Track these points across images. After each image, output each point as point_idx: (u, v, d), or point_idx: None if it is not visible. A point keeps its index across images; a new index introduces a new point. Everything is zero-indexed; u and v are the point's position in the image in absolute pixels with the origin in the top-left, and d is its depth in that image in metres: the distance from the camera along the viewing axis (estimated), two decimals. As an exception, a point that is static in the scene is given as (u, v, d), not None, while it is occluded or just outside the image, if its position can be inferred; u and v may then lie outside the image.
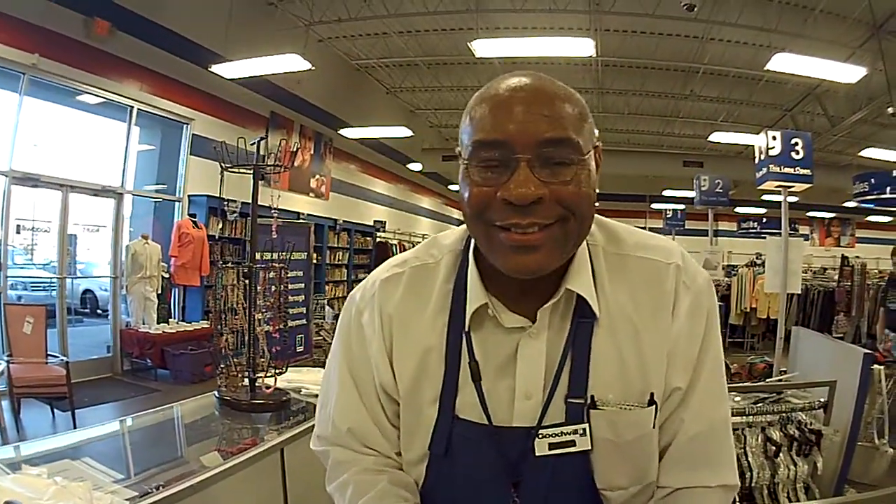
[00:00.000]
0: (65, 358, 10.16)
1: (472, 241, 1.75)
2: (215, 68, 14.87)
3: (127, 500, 3.02)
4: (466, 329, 1.72)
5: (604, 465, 1.71)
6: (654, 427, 1.71)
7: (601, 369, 1.68)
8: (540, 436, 1.68)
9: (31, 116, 11.89)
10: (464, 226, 1.80)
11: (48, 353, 10.05)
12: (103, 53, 12.67)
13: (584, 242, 1.72)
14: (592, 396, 1.68)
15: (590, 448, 1.68)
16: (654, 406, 1.69)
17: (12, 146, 11.37)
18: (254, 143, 5.31)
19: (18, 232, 14.62)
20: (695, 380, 1.73)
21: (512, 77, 1.57)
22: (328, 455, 1.91)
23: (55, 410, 9.92)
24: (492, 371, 1.72)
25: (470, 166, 1.55)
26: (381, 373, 1.82)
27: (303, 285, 15.00)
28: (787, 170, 8.09)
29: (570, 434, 1.68)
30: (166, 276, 14.46)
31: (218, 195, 12.99)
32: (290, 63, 14.75)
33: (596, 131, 1.64)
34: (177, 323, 14.57)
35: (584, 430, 1.67)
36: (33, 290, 16.76)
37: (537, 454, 1.68)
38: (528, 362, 1.70)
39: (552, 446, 1.68)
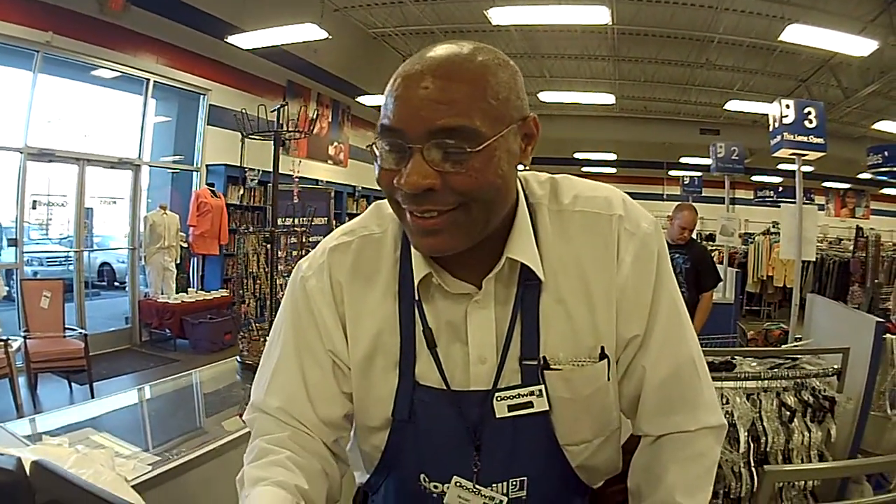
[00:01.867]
0: (83, 331, 10.21)
1: None
2: (231, 39, 14.85)
3: (150, 465, 3.07)
4: (417, 298, 1.76)
5: (564, 423, 1.77)
6: (608, 379, 1.77)
7: (550, 329, 1.73)
8: (497, 398, 1.73)
9: (46, 93, 11.92)
10: None
11: (66, 326, 10.12)
12: (118, 28, 12.66)
13: (524, 202, 1.75)
14: (544, 357, 1.73)
15: (548, 408, 1.74)
16: (605, 360, 1.75)
17: (27, 123, 11.40)
18: (274, 111, 5.34)
19: (34, 207, 14.64)
20: (651, 325, 1.77)
21: (428, 50, 1.56)
22: (254, 423, 1.89)
23: (73, 384, 9.98)
24: (445, 337, 1.77)
25: (377, 145, 1.56)
26: (333, 341, 1.84)
27: None
28: (800, 138, 8.02)
29: (526, 396, 1.73)
30: (185, 245, 14.55)
31: (235, 164, 13.04)
32: (306, 32, 14.67)
33: (524, 101, 1.63)
34: (196, 292, 14.64)
35: (540, 391, 1.73)
36: (49, 265, 16.69)
37: (497, 416, 1.74)
38: (478, 328, 1.74)
39: (511, 408, 1.74)
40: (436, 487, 1.84)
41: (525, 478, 1.81)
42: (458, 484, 1.81)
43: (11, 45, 10.89)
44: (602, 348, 1.74)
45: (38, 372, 9.37)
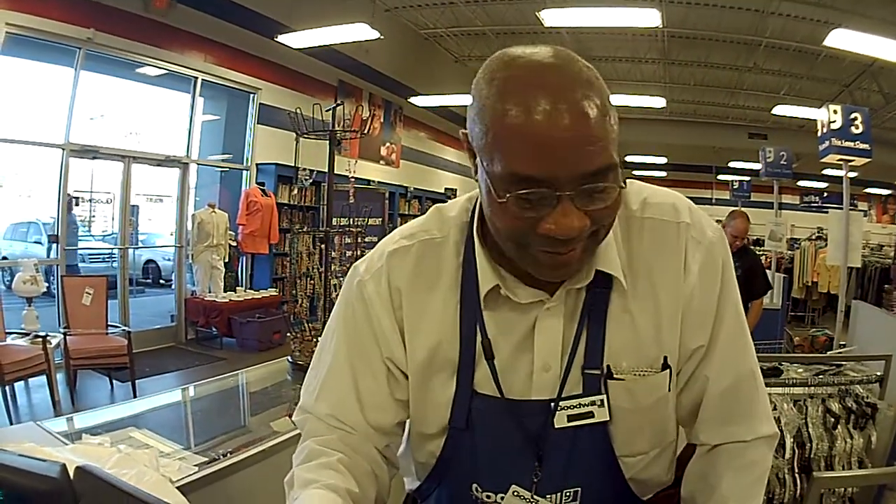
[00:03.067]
0: (126, 328, 10.28)
1: (476, 217, 1.72)
2: (281, 38, 14.84)
3: (195, 465, 3.04)
4: (480, 309, 1.71)
5: (623, 434, 1.74)
6: (669, 390, 1.73)
7: (615, 338, 1.69)
8: (559, 408, 1.69)
9: (89, 90, 11.96)
10: (466, 196, 1.84)
11: (109, 323, 10.14)
12: (163, 26, 12.70)
13: None
14: (608, 366, 1.69)
15: (608, 418, 1.70)
16: (668, 370, 1.71)
17: (69, 120, 11.41)
18: (329, 110, 5.33)
19: (77, 204, 14.72)
20: (716, 335, 1.73)
21: (535, 73, 1.40)
22: (304, 424, 1.87)
23: (114, 382, 10.00)
24: (509, 347, 1.72)
25: (501, 189, 1.41)
26: (392, 347, 1.79)
27: None
28: (847, 144, 8.07)
29: (588, 405, 1.69)
30: (234, 244, 14.61)
31: (286, 163, 13.12)
32: (357, 32, 14.64)
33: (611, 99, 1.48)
34: (244, 291, 14.73)
35: (602, 400, 1.69)
36: (91, 262, 16.86)
37: (556, 426, 1.70)
38: (546, 336, 1.70)
39: (570, 418, 1.70)
40: (489, 497, 1.80)
41: (579, 488, 1.77)
42: (515, 493, 1.76)
43: (53, 41, 10.92)
44: (665, 358, 1.70)
45: (77, 369, 9.35)
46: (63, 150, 11.32)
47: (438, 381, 1.77)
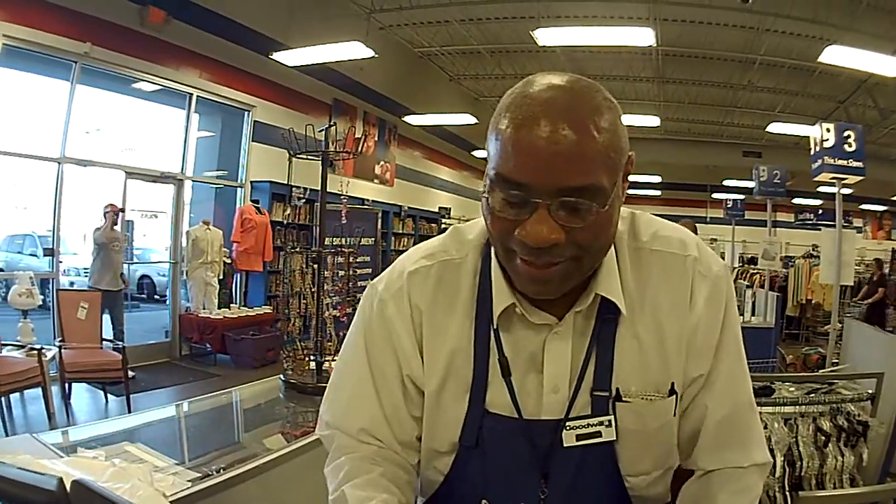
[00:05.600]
0: (120, 343, 10.21)
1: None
2: (276, 56, 14.92)
3: (189, 481, 3.05)
4: (495, 327, 1.75)
5: (628, 454, 1.77)
6: (674, 415, 1.78)
7: (624, 363, 1.74)
8: (567, 427, 1.73)
9: (84, 104, 11.94)
10: None
11: (103, 338, 10.14)
12: (159, 41, 12.73)
13: None
14: (617, 389, 1.74)
15: (615, 438, 1.74)
16: (674, 396, 1.76)
17: (65, 133, 11.42)
18: (321, 130, 5.36)
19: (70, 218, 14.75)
20: (717, 365, 1.78)
21: (541, 86, 1.50)
22: (332, 439, 1.94)
23: (108, 395, 10.04)
24: (520, 366, 1.77)
25: (492, 191, 1.53)
26: (412, 365, 1.85)
27: (370, 270, 15.12)
28: (840, 162, 8.09)
29: (596, 426, 1.74)
30: (228, 261, 14.61)
31: (281, 181, 13.16)
32: (352, 50, 14.68)
33: (627, 143, 1.57)
34: (238, 308, 14.68)
35: (610, 421, 1.73)
36: (86, 276, 16.79)
37: (565, 445, 1.74)
38: (555, 358, 1.75)
39: (579, 437, 1.74)
40: None
41: None
42: None
43: (49, 55, 10.96)
44: (672, 384, 1.76)
45: (72, 382, 9.39)
46: (59, 163, 11.33)
47: (451, 399, 1.82)
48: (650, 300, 1.75)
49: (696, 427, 1.82)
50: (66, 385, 9.31)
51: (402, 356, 1.84)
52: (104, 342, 10.10)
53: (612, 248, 1.73)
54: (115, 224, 11.46)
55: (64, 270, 13.02)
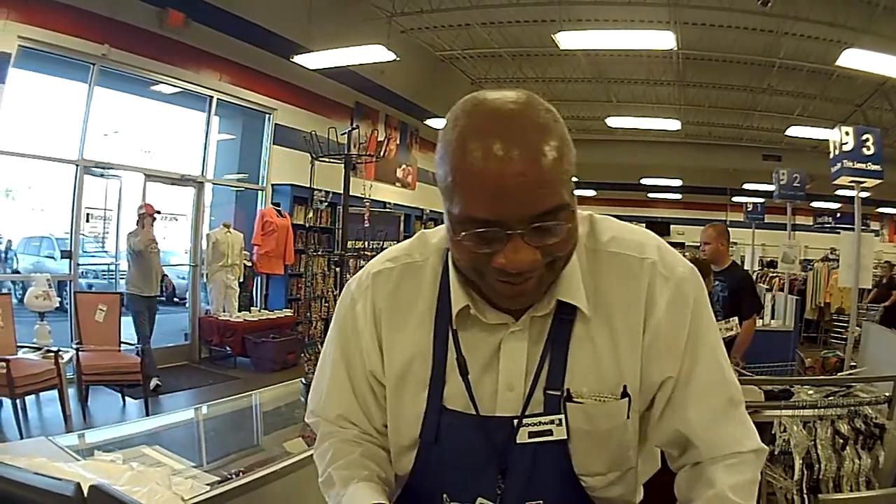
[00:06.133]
0: (138, 345, 10.25)
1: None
2: (298, 59, 14.91)
3: (207, 484, 3.05)
4: (454, 327, 1.83)
5: (581, 453, 1.83)
6: (627, 418, 1.82)
7: (577, 363, 1.79)
8: (522, 425, 1.80)
9: (103, 107, 11.97)
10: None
11: (122, 340, 10.13)
12: (179, 44, 12.75)
13: None
14: (568, 390, 1.78)
15: (566, 437, 1.79)
16: (626, 398, 1.80)
17: (83, 136, 11.41)
18: (344, 133, 5.34)
19: (88, 220, 14.72)
20: (690, 369, 1.81)
21: (494, 124, 1.50)
22: (318, 426, 2.10)
23: (126, 398, 10.02)
24: (477, 365, 1.83)
25: (459, 230, 1.56)
26: (372, 361, 1.95)
27: None
28: (859, 165, 8.10)
29: (547, 424, 1.79)
30: (249, 264, 14.62)
31: (302, 184, 13.13)
32: (374, 54, 14.75)
33: (570, 141, 1.59)
34: (259, 311, 14.72)
35: (560, 420, 1.79)
36: (105, 279, 16.78)
37: (518, 441, 1.80)
38: (510, 357, 1.81)
39: (531, 434, 1.80)
40: None
41: (541, 501, 1.86)
42: None
43: (67, 56, 10.95)
44: (624, 387, 1.80)
45: (89, 384, 9.37)
46: (77, 165, 11.33)
47: (410, 395, 1.90)
48: (604, 302, 1.80)
49: (677, 428, 1.85)
50: (84, 388, 9.29)
51: (366, 352, 1.96)
52: (122, 345, 10.07)
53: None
54: (152, 225, 11.22)
55: (82, 273, 12.93)
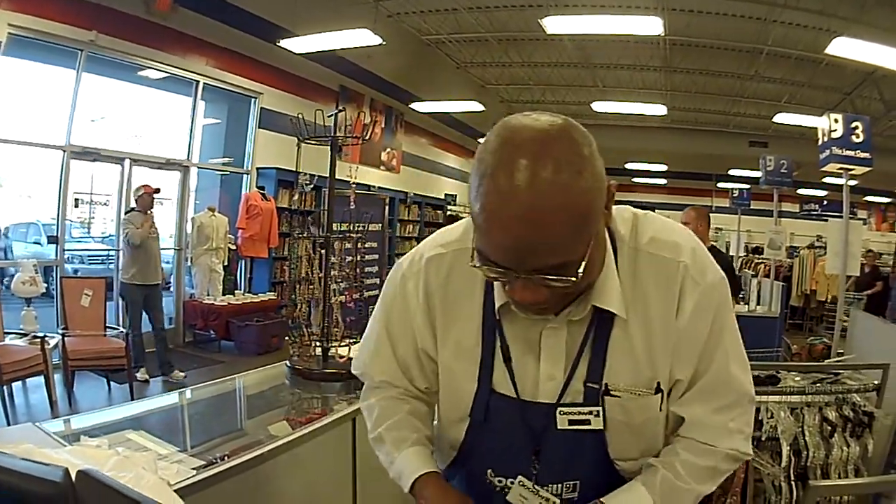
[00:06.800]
0: (124, 329, 10.30)
1: None
2: (284, 43, 14.93)
3: (193, 469, 3.07)
4: (497, 317, 1.97)
5: (617, 441, 1.99)
6: (660, 410, 1.98)
7: (615, 359, 1.92)
8: (560, 412, 1.96)
9: (91, 92, 11.96)
10: None
11: (107, 325, 10.15)
12: (165, 29, 12.73)
13: (611, 246, 1.88)
14: (606, 384, 1.93)
15: (602, 427, 1.96)
16: (660, 393, 1.95)
17: (70, 121, 11.41)
18: (330, 116, 5.35)
19: (77, 206, 14.71)
20: (704, 370, 1.95)
21: (513, 178, 1.52)
22: (364, 378, 2.35)
23: (112, 383, 10.03)
24: (520, 353, 1.98)
25: (476, 255, 1.67)
26: (425, 340, 2.13)
27: (377, 256, 15.68)
28: (848, 152, 8.14)
29: (585, 414, 1.95)
30: (233, 247, 14.63)
31: (287, 167, 13.08)
32: (360, 38, 14.74)
33: (605, 179, 1.65)
34: (243, 294, 14.72)
35: (598, 412, 1.94)
36: (91, 264, 16.76)
37: (558, 427, 1.97)
38: (551, 348, 1.95)
39: (571, 422, 1.96)
40: (500, 482, 2.10)
41: (578, 482, 2.04)
42: (521, 483, 2.04)
43: (55, 43, 10.94)
44: (658, 383, 1.94)
45: (75, 370, 9.34)
46: (64, 151, 11.33)
47: (463, 376, 2.06)
48: (643, 302, 1.89)
49: (681, 415, 2.02)
50: (70, 373, 9.29)
51: (417, 331, 2.13)
52: (108, 329, 10.10)
53: (612, 256, 1.88)
54: (151, 208, 10.92)
55: (68, 258, 12.89)
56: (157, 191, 11.03)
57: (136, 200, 10.79)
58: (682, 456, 1.99)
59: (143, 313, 10.86)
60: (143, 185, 10.94)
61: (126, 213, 11.06)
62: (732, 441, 2.00)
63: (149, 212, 10.78)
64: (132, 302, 10.70)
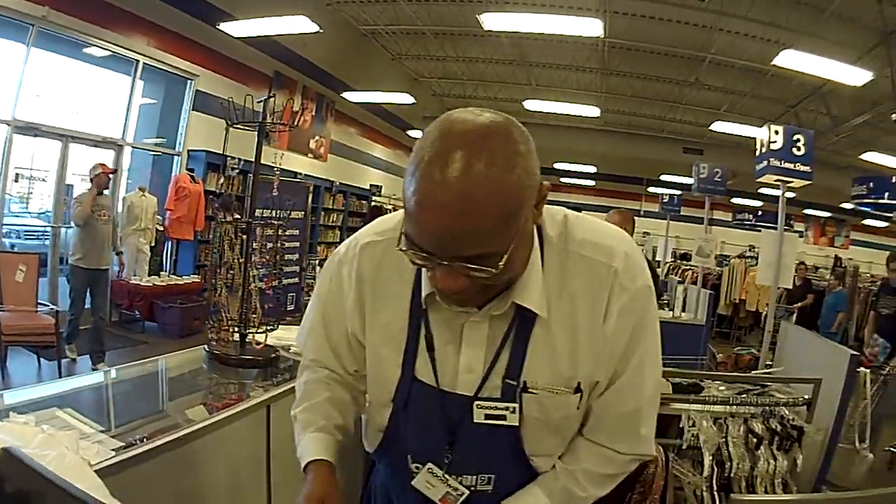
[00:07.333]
0: (55, 307, 10.20)
1: None
2: (223, 26, 14.96)
3: (113, 450, 3.07)
4: (424, 307, 2.01)
5: (532, 437, 2.03)
6: (578, 409, 2.02)
7: (535, 357, 1.94)
8: (477, 406, 1.98)
9: (37, 68, 11.90)
10: None
11: (38, 301, 10.08)
12: (113, 7, 12.71)
13: (538, 245, 1.92)
14: (525, 381, 1.95)
15: (517, 424, 1.98)
16: (580, 394, 1.98)
17: (16, 96, 11.38)
18: (260, 101, 5.35)
19: (17, 181, 14.58)
20: (619, 373, 1.99)
21: (446, 168, 1.57)
22: (302, 355, 2.43)
23: (41, 360, 9.96)
24: (443, 343, 2.01)
25: (403, 240, 1.71)
26: (355, 325, 2.17)
27: (298, 244, 15.58)
28: (787, 165, 8.09)
29: (502, 409, 1.97)
30: (161, 228, 14.55)
31: (217, 151, 12.95)
32: (298, 24, 14.79)
33: (538, 175, 1.72)
34: (168, 276, 14.67)
35: (515, 408, 1.96)
36: (27, 239, 16.61)
37: (474, 420, 2.00)
38: (471, 341, 1.97)
39: (487, 416, 1.98)
40: (417, 469, 2.13)
41: (493, 475, 2.09)
42: (429, 470, 2.10)
43: (8, 17, 10.87)
44: (579, 384, 1.97)
45: (8, 345, 9.30)
46: (9, 125, 11.29)
47: (388, 361, 2.10)
48: (570, 303, 1.93)
49: (592, 412, 2.07)
50: (4, 348, 9.25)
51: (348, 315, 2.18)
52: (39, 305, 10.05)
53: (539, 255, 1.91)
54: (106, 188, 10.75)
55: (6, 233, 12.78)
56: (115, 171, 11.03)
57: (92, 179, 10.52)
58: (583, 465, 2.07)
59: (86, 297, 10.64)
60: (101, 164, 10.74)
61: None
62: (639, 446, 2.08)
63: (104, 192, 10.63)
64: (76, 287, 10.52)
